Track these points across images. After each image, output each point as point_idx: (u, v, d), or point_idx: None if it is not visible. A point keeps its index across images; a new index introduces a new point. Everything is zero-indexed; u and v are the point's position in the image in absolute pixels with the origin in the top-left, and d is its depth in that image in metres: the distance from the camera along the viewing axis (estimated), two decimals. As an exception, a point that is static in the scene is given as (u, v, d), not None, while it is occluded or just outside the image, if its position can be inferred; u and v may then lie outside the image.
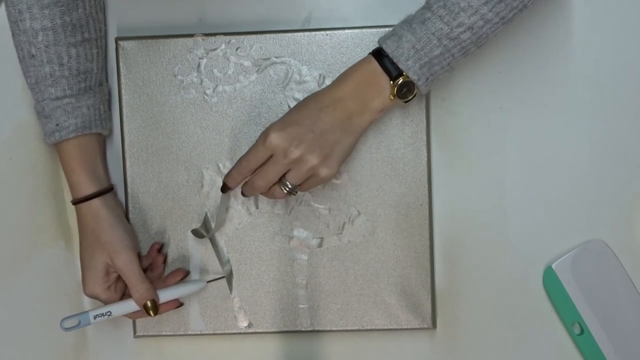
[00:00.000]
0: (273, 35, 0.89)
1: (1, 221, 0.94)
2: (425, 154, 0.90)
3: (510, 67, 0.91)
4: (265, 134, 0.81)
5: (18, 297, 0.94)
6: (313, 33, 0.89)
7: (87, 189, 0.86)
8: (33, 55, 0.85)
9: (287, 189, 0.83)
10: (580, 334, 0.91)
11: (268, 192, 0.85)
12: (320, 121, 0.81)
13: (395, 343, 0.93)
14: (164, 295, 0.87)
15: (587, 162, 0.91)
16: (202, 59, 0.90)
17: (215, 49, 0.90)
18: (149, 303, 0.86)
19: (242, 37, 0.89)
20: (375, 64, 0.81)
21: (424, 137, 0.90)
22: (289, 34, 0.89)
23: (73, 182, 0.87)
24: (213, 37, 0.89)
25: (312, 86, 0.89)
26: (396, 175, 0.90)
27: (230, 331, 0.91)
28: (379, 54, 0.81)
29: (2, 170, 0.88)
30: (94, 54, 0.88)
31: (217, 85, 0.90)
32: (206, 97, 0.90)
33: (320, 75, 0.89)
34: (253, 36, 0.89)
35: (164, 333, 0.92)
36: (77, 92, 0.86)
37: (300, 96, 0.89)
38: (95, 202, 0.86)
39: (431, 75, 0.80)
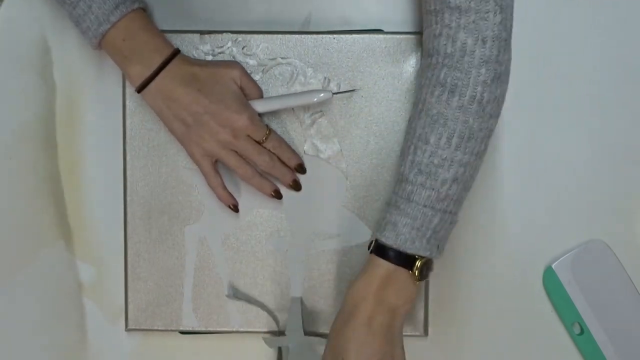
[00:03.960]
0: (280, 35, 0.90)
1: (1, 221, 0.93)
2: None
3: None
4: None
5: (18, 297, 0.94)
6: (320, 36, 0.89)
7: (171, 45, 0.85)
8: None
9: None
10: (580, 334, 0.92)
11: None
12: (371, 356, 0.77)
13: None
14: (280, 102, 0.87)
15: (587, 162, 0.92)
16: (208, 55, 0.90)
17: (221, 47, 0.90)
18: None
19: (248, 36, 0.89)
20: (385, 263, 0.77)
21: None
22: (296, 36, 0.89)
23: (157, 45, 0.84)
24: (220, 35, 0.89)
25: (317, 88, 0.89)
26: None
27: (222, 329, 0.91)
28: (381, 250, 0.78)
29: (2, 170, 0.88)
30: None
31: (221, 83, 0.90)
32: (210, 94, 0.90)
33: (325, 78, 0.89)
34: (260, 36, 0.89)
35: (155, 328, 0.91)
36: None
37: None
38: (182, 54, 0.85)
39: (440, 241, 0.78)
